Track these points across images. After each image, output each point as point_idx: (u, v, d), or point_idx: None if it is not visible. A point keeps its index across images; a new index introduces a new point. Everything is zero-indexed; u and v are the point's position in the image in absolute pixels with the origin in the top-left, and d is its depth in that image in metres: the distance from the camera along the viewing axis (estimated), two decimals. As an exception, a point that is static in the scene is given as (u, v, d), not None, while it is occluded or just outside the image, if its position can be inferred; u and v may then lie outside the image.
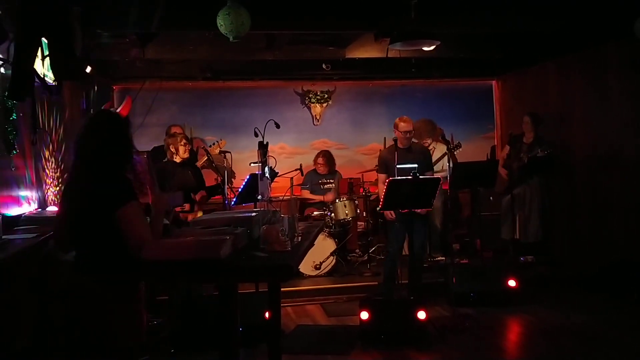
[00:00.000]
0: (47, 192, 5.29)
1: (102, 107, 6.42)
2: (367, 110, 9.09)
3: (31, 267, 3.84)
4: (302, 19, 5.53)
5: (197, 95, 8.70)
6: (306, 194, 8.03)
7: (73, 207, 2.75)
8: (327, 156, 8.13)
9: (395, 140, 5.89)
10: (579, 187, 7.54)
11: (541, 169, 7.22)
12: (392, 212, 5.85)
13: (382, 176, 6.13)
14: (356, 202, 7.52)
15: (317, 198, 7.92)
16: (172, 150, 5.92)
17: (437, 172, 6.87)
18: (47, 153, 5.40)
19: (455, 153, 7.35)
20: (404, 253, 6.25)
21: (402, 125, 5.92)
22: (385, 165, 6.10)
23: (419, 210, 5.64)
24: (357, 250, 8.00)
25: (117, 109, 7.14)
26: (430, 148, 7.26)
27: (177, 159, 5.91)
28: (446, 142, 6.43)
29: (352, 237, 7.87)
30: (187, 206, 5.77)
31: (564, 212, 7.66)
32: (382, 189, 6.16)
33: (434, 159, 7.04)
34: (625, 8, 5.36)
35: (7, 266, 3.42)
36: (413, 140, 6.15)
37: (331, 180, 8.02)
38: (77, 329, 2.74)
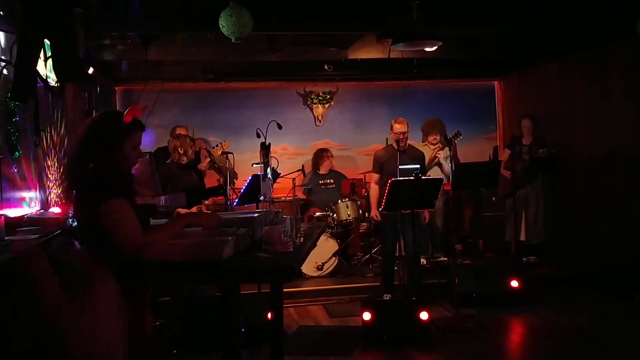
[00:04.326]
0: (49, 193, 5.30)
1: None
2: (369, 111, 9.09)
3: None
4: (304, 20, 5.53)
5: (199, 97, 8.71)
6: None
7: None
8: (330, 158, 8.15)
9: (397, 141, 5.90)
10: (581, 187, 7.53)
11: (544, 169, 7.21)
12: (376, 214, 6.06)
13: (375, 176, 6.19)
14: (358, 202, 7.52)
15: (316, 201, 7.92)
16: (179, 152, 5.89)
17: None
18: (49, 154, 5.40)
19: (456, 142, 7.23)
20: (402, 254, 6.25)
21: (397, 127, 5.98)
22: (379, 165, 6.12)
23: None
24: (359, 252, 8.00)
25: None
26: (435, 147, 7.29)
27: (184, 161, 5.90)
28: (448, 142, 6.42)
29: (354, 238, 7.86)
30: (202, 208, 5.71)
31: (566, 212, 7.65)
32: (374, 189, 6.21)
33: (439, 159, 7.08)
34: (627, 8, 5.36)
35: (9, 267, 3.43)
36: (409, 142, 6.17)
37: (332, 181, 8.02)
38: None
